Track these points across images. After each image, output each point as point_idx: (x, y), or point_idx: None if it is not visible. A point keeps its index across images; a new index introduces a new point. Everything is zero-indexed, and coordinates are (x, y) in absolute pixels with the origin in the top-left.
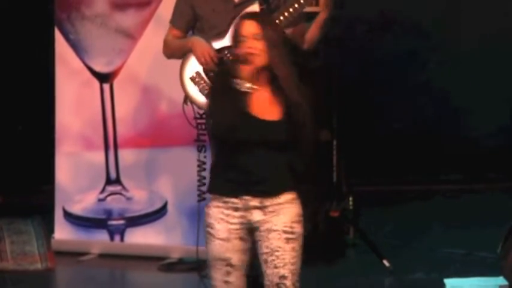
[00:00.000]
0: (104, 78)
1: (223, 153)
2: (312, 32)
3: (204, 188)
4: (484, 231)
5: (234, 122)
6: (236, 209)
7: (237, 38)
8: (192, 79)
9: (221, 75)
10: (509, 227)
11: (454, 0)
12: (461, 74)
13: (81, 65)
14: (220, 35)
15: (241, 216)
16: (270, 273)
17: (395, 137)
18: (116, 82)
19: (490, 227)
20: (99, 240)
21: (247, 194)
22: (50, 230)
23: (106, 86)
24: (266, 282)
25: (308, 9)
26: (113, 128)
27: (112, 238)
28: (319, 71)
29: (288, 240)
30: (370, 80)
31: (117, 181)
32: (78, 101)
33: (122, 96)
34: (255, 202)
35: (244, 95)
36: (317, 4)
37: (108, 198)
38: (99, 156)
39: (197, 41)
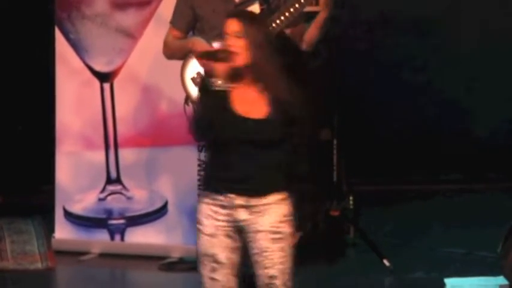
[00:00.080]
0: (104, 77)
1: (211, 150)
2: (311, 32)
3: None
4: (484, 230)
5: (214, 120)
6: (223, 207)
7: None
8: (193, 80)
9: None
10: (510, 227)
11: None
12: (462, 74)
13: (82, 64)
14: (221, 35)
15: (228, 214)
16: (260, 274)
17: (396, 137)
18: (116, 81)
19: (490, 226)
20: (99, 239)
21: (231, 192)
22: (51, 229)
23: (106, 86)
24: (258, 283)
25: (308, 8)
26: (113, 128)
27: (112, 238)
28: (319, 70)
29: (275, 240)
30: (370, 79)
31: (118, 180)
32: (78, 101)
33: (122, 95)
34: (240, 201)
35: (226, 93)
36: (317, 4)
37: (109, 198)
38: (99, 156)
39: (198, 42)
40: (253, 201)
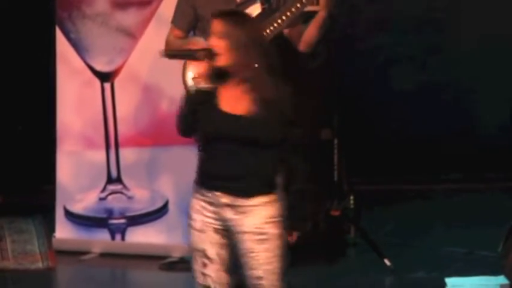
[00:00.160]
0: (105, 77)
1: (201, 147)
2: (310, 32)
3: None
4: (484, 230)
5: (199, 117)
6: (210, 204)
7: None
8: (195, 79)
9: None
10: (510, 226)
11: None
12: (462, 74)
13: (82, 64)
14: None
15: (215, 212)
16: (248, 275)
17: (396, 136)
18: (117, 81)
19: (490, 226)
20: (100, 239)
21: (217, 190)
22: (51, 229)
23: (107, 85)
24: (247, 283)
25: (307, 8)
26: (114, 127)
27: (113, 237)
28: (319, 70)
29: (260, 241)
30: (370, 79)
31: (118, 180)
32: (79, 100)
33: (123, 95)
34: (226, 200)
35: (212, 91)
36: (317, 3)
37: (109, 197)
38: (100, 155)
39: (198, 42)
40: (239, 202)
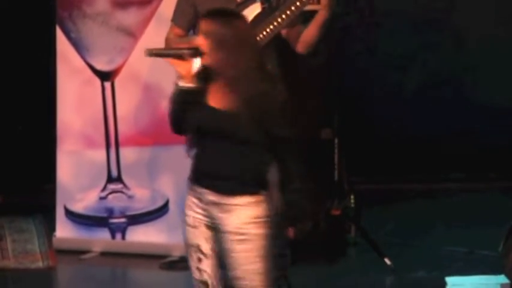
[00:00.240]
0: (105, 76)
1: (193, 142)
2: (310, 32)
3: None
4: (485, 229)
5: (188, 113)
6: (200, 200)
7: None
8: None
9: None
10: (511, 226)
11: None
12: (462, 73)
13: (83, 63)
14: None
15: (204, 209)
16: (230, 275)
17: (397, 136)
18: (117, 80)
19: (491, 225)
20: (100, 238)
21: (204, 187)
22: (52, 228)
23: (107, 85)
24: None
25: (308, 7)
26: (114, 126)
27: (113, 236)
28: (319, 70)
29: (240, 241)
30: (370, 78)
31: (119, 179)
32: (79, 100)
33: (123, 94)
34: (212, 197)
35: (200, 88)
36: (318, 2)
37: (110, 197)
38: (100, 155)
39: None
40: (224, 200)
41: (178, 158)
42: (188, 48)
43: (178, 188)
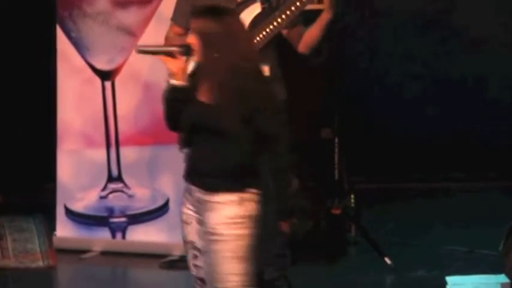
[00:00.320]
0: (105, 75)
1: (186, 137)
2: (313, 33)
3: None
4: (485, 229)
5: (180, 109)
6: (191, 196)
7: None
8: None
9: None
10: (511, 225)
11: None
12: (463, 72)
13: (83, 62)
14: None
15: (194, 205)
16: (204, 272)
17: (397, 135)
18: (118, 80)
19: (491, 225)
20: (100, 237)
21: (191, 183)
22: (52, 227)
23: (108, 84)
24: None
25: (310, 6)
26: (115, 126)
27: (114, 236)
28: (320, 69)
29: (211, 241)
30: (371, 78)
31: (119, 179)
32: (79, 99)
33: (123, 93)
34: (198, 193)
35: (191, 84)
36: (319, 2)
37: (110, 196)
38: (100, 154)
39: None
40: (207, 197)
41: (179, 158)
42: (178, 46)
43: (178, 188)
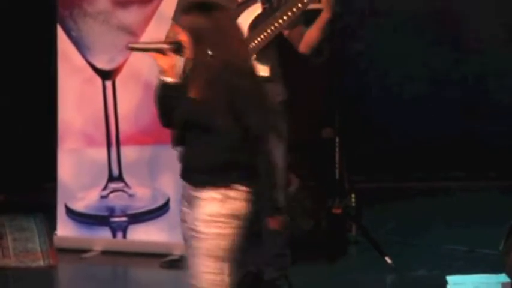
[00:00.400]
0: (106, 75)
1: (178, 134)
2: (313, 33)
3: None
4: (486, 228)
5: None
6: (185, 193)
7: None
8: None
9: None
10: (511, 224)
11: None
12: (463, 73)
13: (84, 62)
14: None
15: (188, 202)
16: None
17: (397, 134)
18: (118, 79)
19: (492, 224)
20: (101, 237)
21: (183, 179)
22: (52, 227)
23: (108, 83)
24: None
25: (310, 6)
26: (115, 125)
27: (114, 235)
28: (321, 69)
29: (192, 237)
30: (371, 78)
31: (120, 178)
32: (80, 98)
33: (124, 93)
34: (190, 190)
35: (183, 81)
36: (318, 1)
37: (111, 195)
38: (101, 153)
39: None
40: (194, 192)
41: None
42: (169, 43)
43: (179, 187)
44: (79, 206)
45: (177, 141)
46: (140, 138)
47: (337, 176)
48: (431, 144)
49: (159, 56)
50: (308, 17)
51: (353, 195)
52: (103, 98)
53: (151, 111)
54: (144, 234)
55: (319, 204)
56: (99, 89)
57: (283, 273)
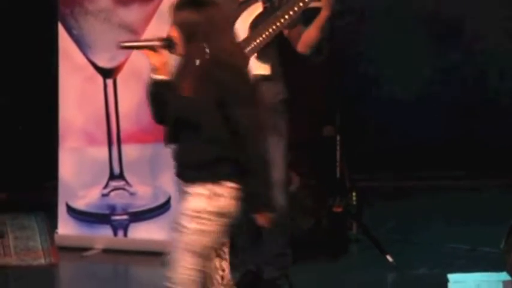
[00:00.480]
0: (107, 73)
1: (171, 131)
2: (312, 33)
3: None
4: (487, 226)
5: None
6: (180, 189)
7: None
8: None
9: None
10: None
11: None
12: (463, 72)
13: (85, 60)
14: None
15: (184, 197)
16: None
17: (398, 133)
18: (119, 77)
19: (493, 222)
20: (102, 235)
21: (176, 176)
22: (54, 225)
23: (109, 82)
24: None
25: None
26: (116, 124)
27: (115, 233)
28: (322, 67)
29: (174, 229)
30: (372, 77)
31: (121, 176)
32: (81, 97)
33: (125, 91)
34: (183, 186)
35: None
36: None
37: (112, 194)
38: (102, 152)
39: None
40: (185, 188)
41: None
42: (160, 40)
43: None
44: (80, 205)
45: (170, 139)
46: (141, 137)
47: (338, 175)
48: (432, 143)
49: (151, 53)
50: (307, 16)
51: (354, 194)
52: (104, 96)
53: None
54: (145, 233)
55: (320, 203)
56: (100, 88)
57: (283, 272)
